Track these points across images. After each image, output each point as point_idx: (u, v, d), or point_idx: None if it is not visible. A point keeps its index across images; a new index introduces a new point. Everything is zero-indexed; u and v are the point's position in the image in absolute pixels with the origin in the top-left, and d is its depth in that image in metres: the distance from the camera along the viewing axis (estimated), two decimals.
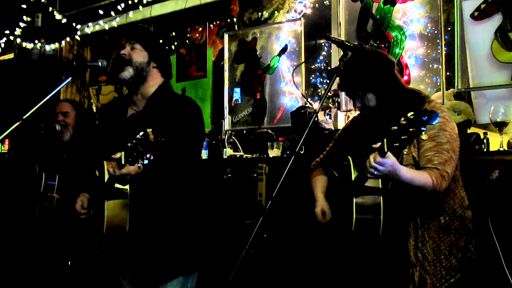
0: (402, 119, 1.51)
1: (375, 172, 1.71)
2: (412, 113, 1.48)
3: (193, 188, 2.22)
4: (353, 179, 1.89)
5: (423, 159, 1.91)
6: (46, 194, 3.03)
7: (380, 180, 1.87)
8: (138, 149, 1.77)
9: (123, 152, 1.84)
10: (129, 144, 1.78)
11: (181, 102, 2.23)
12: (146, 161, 1.78)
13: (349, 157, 1.96)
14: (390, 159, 1.68)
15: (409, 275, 1.96)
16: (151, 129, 1.80)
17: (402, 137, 1.51)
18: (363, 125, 2.18)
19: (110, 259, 2.20)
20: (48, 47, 5.78)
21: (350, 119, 2.41)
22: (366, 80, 2.02)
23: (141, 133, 1.77)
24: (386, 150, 1.60)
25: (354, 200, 1.85)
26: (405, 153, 1.93)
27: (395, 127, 1.53)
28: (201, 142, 2.32)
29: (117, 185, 2.01)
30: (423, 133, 1.48)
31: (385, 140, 1.59)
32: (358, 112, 2.25)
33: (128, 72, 2.17)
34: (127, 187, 2.04)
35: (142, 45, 2.21)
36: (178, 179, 2.12)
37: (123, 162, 1.85)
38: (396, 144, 1.55)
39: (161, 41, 2.50)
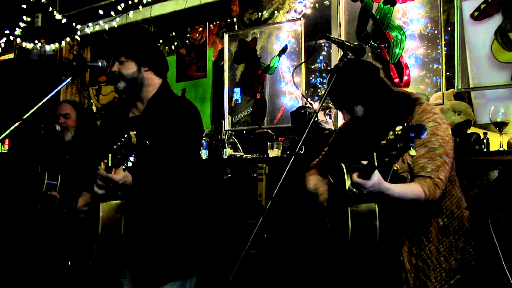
0: (391, 133, 1.50)
1: (356, 192, 1.69)
2: (400, 128, 1.47)
3: (190, 190, 2.21)
4: (347, 187, 1.87)
5: (416, 166, 1.90)
6: (47, 193, 3.03)
7: None
8: (122, 152, 1.80)
9: (110, 155, 1.87)
10: (114, 147, 1.82)
11: (179, 106, 2.23)
12: (130, 164, 1.80)
13: (343, 165, 1.95)
14: (371, 181, 1.66)
15: (402, 280, 1.94)
16: (134, 132, 1.82)
17: (392, 153, 1.50)
18: (356, 130, 2.16)
19: (107, 260, 2.20)
20: (48, 47, 5.78)
21: (343, 122, 2.40)
22: (352, 95, 2.00)
23: (125, 136, 1.79)
24: (376, 164, 1.58)
25: (349, 209, 1.84)
26: (395, 167, 1.92)
27: (384, 142, 1.52)
28: (197, 146, 2.32)
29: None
30: (411, 148, 1.47)
31: (374, 154, 1.56)
32: None
33: (121, 84, 2.21)
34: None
35: (126, 56, 2.20)
36: (173, 182, 2.11)
37: (109, 164, 1.87)
38: (386, 159, 1.54)
39: (146, 39, 2.49)
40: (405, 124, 1.48)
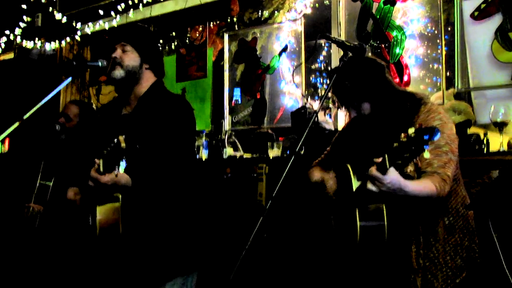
0: (403, 135, 1.48)
1: (375, 189, 1.68)
2: (414, 130, 1.46)
3: (188, 188, 2.20)
4: (354, 188, 1.86)
5: (422, 163, 1.89)
6: (28, 204, 3.03)
7: None
8: (112, 157, 1.79)
9: (101, 160, 1.87)
10: (104, 152, 1.82)
11: (170, 103, 2.20)
12: (122, 168, 1.80)
13: (348, 165, 1.94)
14: (390, 176, 1.63)
15: (410, 280, 1.94)
16: (123, 136, 1.81)
17: (405, 155, 1.49)
18: (361, 130, 2.15)
19: (107, 259, 2.20)
20: (48, 47, 5.78)
21: (347, 121, 2.39)
22: (359, 92, 2.00)
23: (114, 141, 1.79)
24: (388, 166, 1.56)
25: (357, 210, 1.83)
26: (405, 170, 1.90)
27: (397, 144, 1.50)
28: (190, 143, 2.28)
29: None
30: (426, 151, 1.45)
31: (386, 156, 1.55)
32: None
33: (118, 72, 2.17)
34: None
35: (133, 47, 2.21)
36: (169, 180, 2.09)
37: (101, 170, 1.87)
38: (399, 162, 1.52)
39: (154, 39, 2.48)
40: (418, 127, 1.46)
